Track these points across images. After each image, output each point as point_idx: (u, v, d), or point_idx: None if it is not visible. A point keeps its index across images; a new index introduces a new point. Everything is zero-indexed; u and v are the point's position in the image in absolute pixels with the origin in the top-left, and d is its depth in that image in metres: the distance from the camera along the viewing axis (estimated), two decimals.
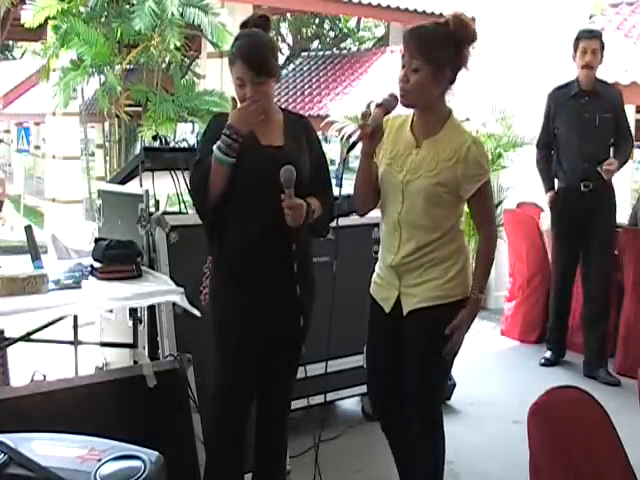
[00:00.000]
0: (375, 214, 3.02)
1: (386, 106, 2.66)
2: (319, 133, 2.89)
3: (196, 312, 3.00)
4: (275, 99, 2.76)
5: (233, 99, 2.65)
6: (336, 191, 2.85)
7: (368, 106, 2.66)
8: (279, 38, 22.42)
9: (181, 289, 3.07)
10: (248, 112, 2.57)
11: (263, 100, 2.59)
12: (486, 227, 2.82)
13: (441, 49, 2.63)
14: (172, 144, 4.18)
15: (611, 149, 5.09)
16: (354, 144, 2.69)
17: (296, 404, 3.84)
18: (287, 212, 2.54)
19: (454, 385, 4.57)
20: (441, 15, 12.05)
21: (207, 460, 2.87)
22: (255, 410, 2.84)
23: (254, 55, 2.60)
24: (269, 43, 2.71)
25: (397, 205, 2.75)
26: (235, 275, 2.69)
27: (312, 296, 2.80)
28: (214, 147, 2.57)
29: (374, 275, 2.92)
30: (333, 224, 2.84)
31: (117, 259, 3.26)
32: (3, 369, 3.90)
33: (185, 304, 3.02)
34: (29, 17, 9.04)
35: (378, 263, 2.92)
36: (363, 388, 4.20)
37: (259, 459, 2.89)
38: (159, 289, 3.08)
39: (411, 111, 2.80)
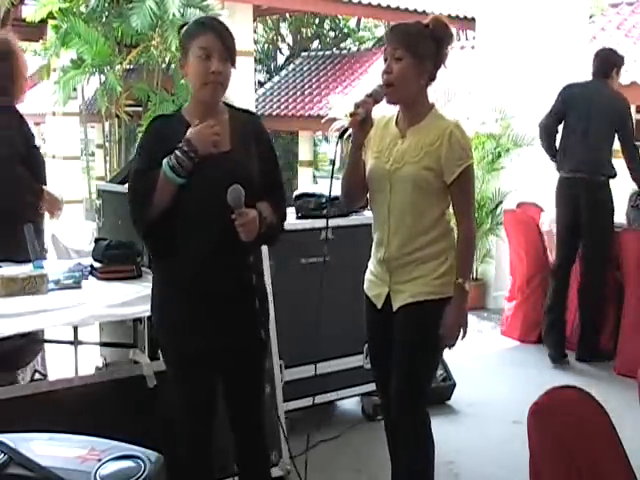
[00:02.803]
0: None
1: (375, 96, 2.73)
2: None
3: None
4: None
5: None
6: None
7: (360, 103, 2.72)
8: (279, 38, 22.42)
9: None
10: (211, 132, 2.44)
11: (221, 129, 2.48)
12: (466, 220, 2.80)
13: (421, 42, 2.74)
14: None
15: None
16: (345, 130, 2.75)
17: (296, 404, 3.85)
18: (240, 229, 2.42)
19: (454, 385, 4.57)
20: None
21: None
22: (229, 420, 2.72)
23: (224, 30, 2.50)
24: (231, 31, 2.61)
25: (386, 195, 2.79)
26: (189, 294, 2.52)
27: (267, 307, 2.70)
28: (164, 163, 2.41)
29: (367, 272, 2.97)
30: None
31: (117, 259, 3.26)
32: (42, 362, 3.96)
33: None
34: (30, 12, 9.07)
35: (370, 261, 2.95)
36: (363, 388, 4.21)
37: (242, 468, 2.80)
38: None
39: (396, 110, 2.87)
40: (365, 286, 2.96)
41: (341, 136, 2.77)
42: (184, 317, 2.55)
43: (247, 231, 2.44)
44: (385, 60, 2.76)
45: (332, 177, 2.82)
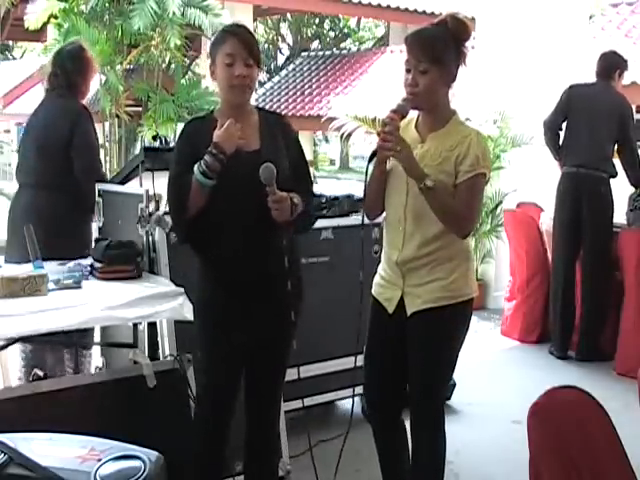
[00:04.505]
0: None
1: (401, 111, 2.68)
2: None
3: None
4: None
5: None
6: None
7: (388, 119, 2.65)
8: (279, 38, 22.43)
9: (181, 289, 3.06)
10: (234, 131, 2.55)
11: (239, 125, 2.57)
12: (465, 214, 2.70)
13: (444, 49, 2.66)
14: (172, 144, 4.19)
15: None
16: (374, 153, 2.69)
17: (296, 404, 3.85)
18: (273, 208, 2.52)
19: (454, 385, 4.56)
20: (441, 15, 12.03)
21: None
22: (245, 410, 2.80)
23: (248, 36, 2.65)
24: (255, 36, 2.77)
25: (402, 198, 2.74)
26: (226, 284, 2.66)
27: (301, 291, 2.77)
28: (195, 169, 2.54)
29: (376, 276, 2.91)
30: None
31: (117, 259, 3.26)
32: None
33: (186, 311, 2.99)
34: (32, 20, 9.09)
35: (381, 264, 2.90)
36: None
37: (250, 458, 2.85)
38: (159, 290, 3.08)
39: (415, 112, 2.81)
40: (374, 290, 2.90)
41: (371, 159, 2.71)
42: (224, 308, 2.67)
43: (280, 210, 2.53)
44: (408, 71, 2.67)
45: (365, 188, 2.79)
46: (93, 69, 4.28)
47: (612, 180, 5.41)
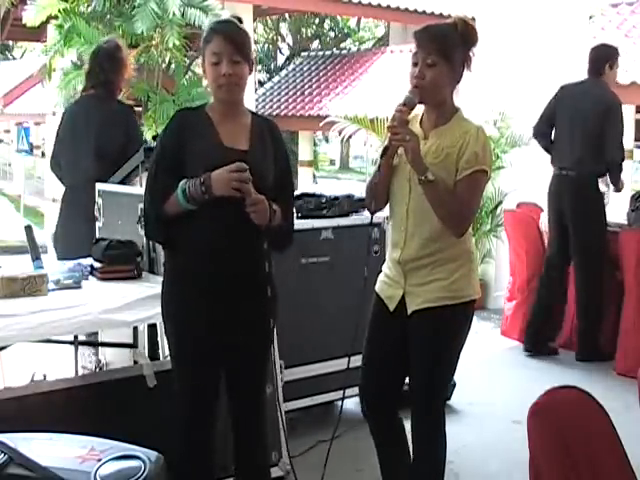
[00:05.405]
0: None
1: (410, 104, 2.70)
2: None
3: None
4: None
5: None
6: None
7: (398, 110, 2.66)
8: (279, 38, 22.43)
9: None
10: (232, 178, 2.47)
11: (248, 182, 2.48)
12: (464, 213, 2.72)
13: (454, 46, 2.69)
14: None
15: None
16: (386, 148, 2.70)
17: (296, 404, 3.86)
18: (250, 211, 2.48)
19: (454, 385, 4.56)
20: (441, 15, 12.03)
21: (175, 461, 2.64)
22: (229, 412, 2.76)
23: (234, 32, 2.60)
24: (246, 30, 2.70)
25: (405, 196, 2.75)
26: (206, 285, 2.58)
27: (276, 294, 2.73)
28: (180, 185, 2.50)
29: (381, 273, 2.92)
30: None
31: (117, 259, 3.27)
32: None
33: None
34: (30, 16, 9.06)
35: (385, 262, 2.91)
36: None
37: (238, 460, 2.81)
38: (159, 291, 3.07)
39: (420, 109, 2.82)
40: (377, 287, 2.91)
41: (383, 154, 2.71)
42: (197, 313, 2.61)
43: (258, 212, 2.49)
44: (414, 65, 2.69)
45: (371, 180, 2.80)
46: (128, 67, 4.61)
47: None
